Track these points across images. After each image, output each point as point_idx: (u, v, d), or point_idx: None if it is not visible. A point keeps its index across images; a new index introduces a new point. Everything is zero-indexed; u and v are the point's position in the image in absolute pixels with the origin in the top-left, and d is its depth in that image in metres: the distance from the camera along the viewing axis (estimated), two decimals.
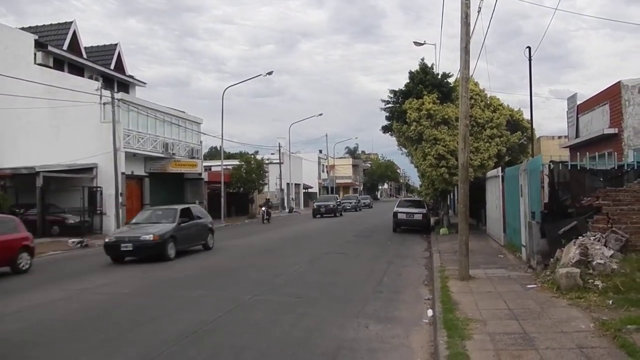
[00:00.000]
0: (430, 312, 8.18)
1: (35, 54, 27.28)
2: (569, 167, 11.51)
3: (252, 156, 46.36)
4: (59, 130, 26.50)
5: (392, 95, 22.37)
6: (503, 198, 15.96)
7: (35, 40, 27.40)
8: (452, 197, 31.56)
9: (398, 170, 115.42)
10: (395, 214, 24.37)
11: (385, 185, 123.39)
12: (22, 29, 30.03)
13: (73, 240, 20.36)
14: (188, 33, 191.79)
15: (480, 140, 20.32)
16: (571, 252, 9.16)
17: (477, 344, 6.11)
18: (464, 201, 10.98)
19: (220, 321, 7.93)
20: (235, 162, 44.62)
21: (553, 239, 10.39)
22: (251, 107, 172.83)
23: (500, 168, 17.20)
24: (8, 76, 22.11)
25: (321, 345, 6.73)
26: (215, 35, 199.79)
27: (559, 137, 29.25)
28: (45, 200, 23.86)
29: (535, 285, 9.34)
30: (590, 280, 8.42)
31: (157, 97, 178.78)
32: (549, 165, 11.21)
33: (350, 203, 53.48)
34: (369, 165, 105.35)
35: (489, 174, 19.10)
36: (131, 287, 11.16)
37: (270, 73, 37.90)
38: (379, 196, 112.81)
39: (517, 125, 22.14)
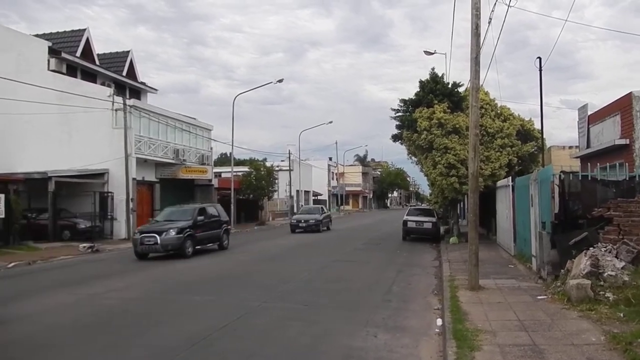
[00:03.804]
0: (439, 322, 8.14)
1: (48, 61, 27.60)
2: (580, 178, 11.44)
3: (262, 163, 46.49)
4: (71, 136, 26.76)
5: (402, 104, 22.39)
6: (513, 208, 15.87)
7: (49, 47, 27.74)
8: (462, 206, 31.44)
9: (408, 179, 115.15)
10: (404, 223, 24.33)
11: (395, 193, 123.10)
12: (37, 35, 30.40)
13: (84, 245, 20.51)
14: (197, 41, 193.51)
15: (490, 149, 20.27)
16: (582, 263, 9.10)
17: (487, 355, 6.08)
18: (474, 210, 10.94)
19: (229, 327, 7.95)
20: (245, 168, 44.77)
21: (564, 249, 10.32)
22: (260, 114, 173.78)
23: (510, 177, 17.12)
24: (21, 82, 22.38)
25: (329, 353, 6.73)
26: (224, 43, 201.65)
27: (570, 147, 29.04)
28: (57, 205, 24.05)
29: (545, 297, 9.28)
30: (601, 292, 8.36)
31: (167, 103, 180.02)
32: (560, 176, 11.14)
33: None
34: (379, 173, 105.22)
35: (499, 183, 19.02)
36: (141, 292, 11.21)
37: (280, 81, 38.07)
38: (388, 204, 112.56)
39: (527, 135, 22.05)
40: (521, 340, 6.63)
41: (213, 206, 21.78)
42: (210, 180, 36.07)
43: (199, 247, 18.76)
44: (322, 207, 34.61)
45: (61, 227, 23.79)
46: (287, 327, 7.99)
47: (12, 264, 16.43)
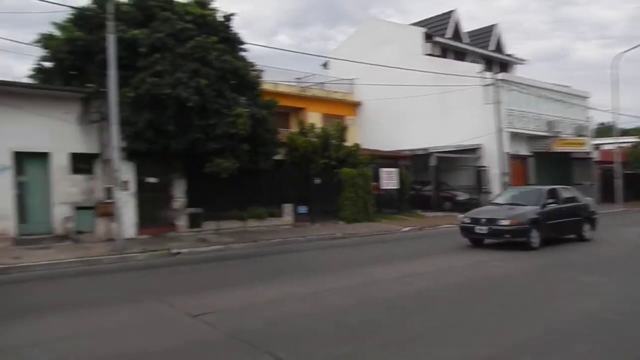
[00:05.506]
0: None
1: (423, 46, 30.14)
2: None
3: None
4: (447, 114, 28.48)
5: None
6: None
7: (423, 33, 30.25)
8: None
9: None
10: None
11: None
12: (412, 24, 33.59)
13: (462, 216, 21.59)
14: (564, 1, 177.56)
15: None
16: None
17: None
18: None
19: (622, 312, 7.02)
20: (633, 139, 39.04)
21: None
22: None
23: None
24: (405, 68, 25.08)
25: None
26: None
27: None
28: (438, 178, 26.28)
29: None
30: None
31: (532, 73, 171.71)
32: None
33: None
34: None
35: None
36: (522, 266, 11.04)
37: None
38: None
39: None
40: None
41: None
42: (588, 153, 32.91)
43: None
44: (550, 190, 14.85)
45: (442, 198, 25.90)
46: None
47: (407, 228, 18.88)
